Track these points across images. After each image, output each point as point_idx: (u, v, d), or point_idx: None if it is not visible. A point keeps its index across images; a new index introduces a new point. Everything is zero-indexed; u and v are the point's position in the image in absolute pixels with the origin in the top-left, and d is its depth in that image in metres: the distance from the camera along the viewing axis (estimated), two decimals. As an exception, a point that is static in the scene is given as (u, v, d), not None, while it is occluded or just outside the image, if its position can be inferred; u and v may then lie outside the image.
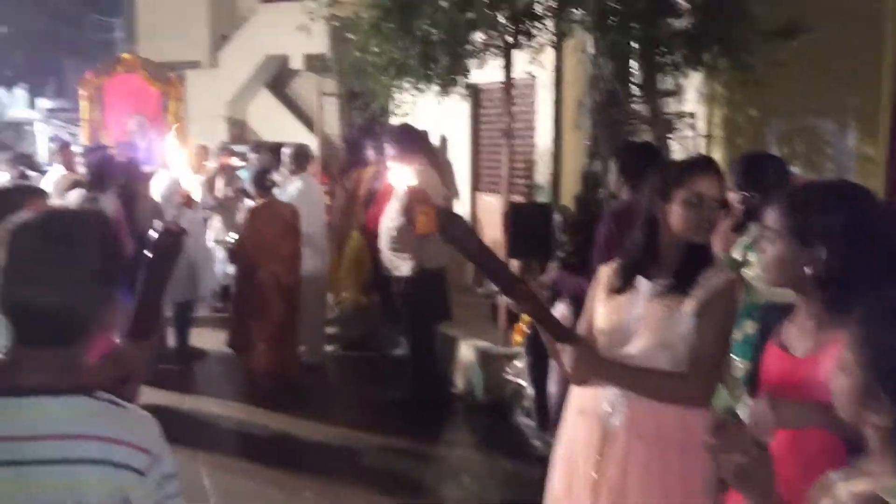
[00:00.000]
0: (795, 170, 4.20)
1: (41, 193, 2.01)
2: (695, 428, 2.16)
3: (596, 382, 2.22)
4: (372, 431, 5.04)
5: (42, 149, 35.05)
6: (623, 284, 2.26)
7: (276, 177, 6.16)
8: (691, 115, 5.40)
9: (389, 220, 4.96)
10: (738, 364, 2.64)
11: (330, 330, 6.99)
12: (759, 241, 1.89)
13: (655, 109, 5.10)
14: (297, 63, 15.73)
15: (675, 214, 2.15)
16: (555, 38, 4.47)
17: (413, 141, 4.92)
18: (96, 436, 1.22)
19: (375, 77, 4.99)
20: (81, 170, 7.13)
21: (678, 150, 5.23)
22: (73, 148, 8.58)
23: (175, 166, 5.63)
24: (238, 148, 13.85)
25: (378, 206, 6.69)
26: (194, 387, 5.97)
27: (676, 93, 5.25)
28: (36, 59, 45.51)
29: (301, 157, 6.05)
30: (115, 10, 28.93)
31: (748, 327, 2.68)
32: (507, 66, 5.00)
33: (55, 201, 6.87)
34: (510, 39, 4.73)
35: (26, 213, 1.87)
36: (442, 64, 4.51)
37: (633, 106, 5.44)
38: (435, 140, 7.96)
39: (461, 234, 2.13)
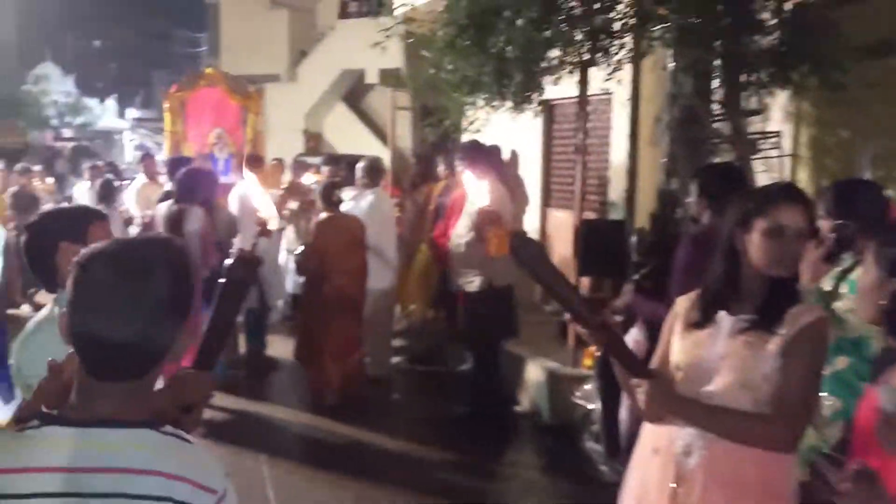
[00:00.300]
0: (890, 194, 3.96)
1: (103, 217, 2.01)
2: (775, 474, 2.04)
3: (671, 421, 2.11)
4: (434, 446, 5.02)
5: (129, 156, 36.59)
6: (703, 318, 2.14)
7: (347, 191, 6.24)
8: (776, 134, 5.18)
9: (459, 236, 4.93)
10: (827, 402, 2.49)
11: (396, 342, 7.00)
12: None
13: (738, 128, 4.90)
14: (372, 77, 15.97)
15: (756, 246, 2.03)
16: (633, 56, 4.34)
17: (483, 157, 4.88)
18: (159, 471, 1.19)
19: (449, 94, 4.98)
20: (163, 179, 7.41)
21: (762, 170, 5.02)
22: (157, 158, 8.96)
23: (252, 190, 5.77)
24: (312, 160, 14.16)
25: (447, 220, 6.68)
26: (262, 394, 6.06)
27: (761, 111, 5.04)
28: (126, 72, 47.82)
29: (374, 171, 6.08)
30: (201, 25, 30.16)
31: (839, 363, 2.52)
32: (583, 83, 4.90)
33: (139, 209, 7.18)
34: (586, 56, 4.63)
35: (91, 237, 1.85)
36: (516, 81, 4.45)
37: (714, 124, 5.25)
38: (505, 155, 7.93)
39: (534, 258, 2.05)
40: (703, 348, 2.10)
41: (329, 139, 18.28)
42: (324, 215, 5.61)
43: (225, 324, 1.81)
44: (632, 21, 4.19)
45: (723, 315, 2.10)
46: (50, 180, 12.09)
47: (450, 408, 5.64)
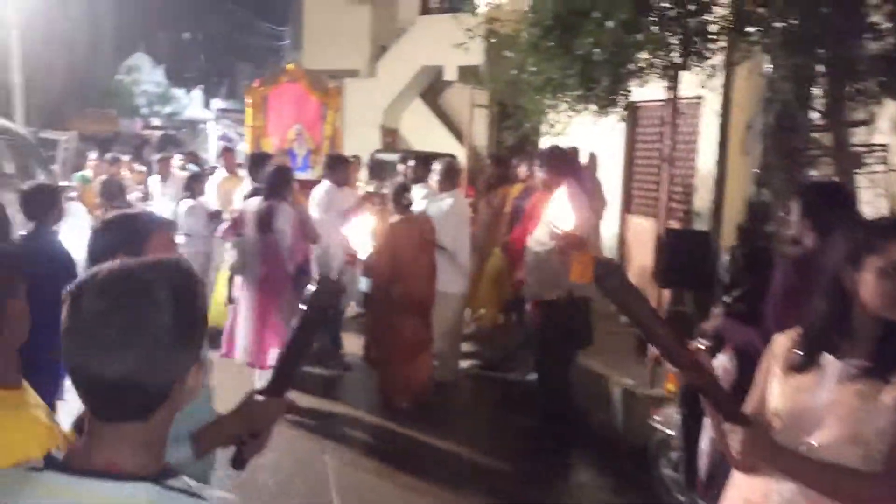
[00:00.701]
0: None
1: (168, 226, 1.94)
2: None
3: (766, 472, 1.91)
4: (499, 458, 4.92)
5: (212, 146, 37.75)
6: (806, 361, 1.94)
7: (419, 188, 6.16)
8: (883, 147, 4.80)
9: (538, 244, 4.75)
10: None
11: (465, 347, 6.89)
12: None
13: (841, 140, 4.56)
14: (451, 74, 15.90)
15: (868, 286, 1.81)
16: (729, 60, 4.08)
17: (564, 164, 4.69)
18: None
19: (531, 96, 4.81)
20: (243, 173, 7.51)
21: (866, 186, 4.66)
22: (238, 148, 9.11)
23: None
24: (389, 156, 14.21)
25: (524, 225, 6.51)
26: (332, 392, 6.06)
27: (867, 122, 4.68)
28: (213, 63, 49.31)
29: (451, 173, 5.97)
30: (284, 19, 30.83)
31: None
32: (674, 88, 4.65)
33: (220, 203, 7.29)
34: (677, 60, 4.39)
35: (151, 249, 1.79)
36: (603, 85, 4.25)
37: (813, 134, 4.92)
38: (584, 157, 7.70)
39: (620, 288, 1.90)
40: (807, 395, 1.90)
41: (405, 135, 18.33)
42: (394, 217, 5.54)
43: (301, 351, 1.73)
44: (729, 24, 3.92)
45: (829, 359, 1.90)
46: (142, 168, 12.48)
47: (518, 418, 5.50)
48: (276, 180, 5.30)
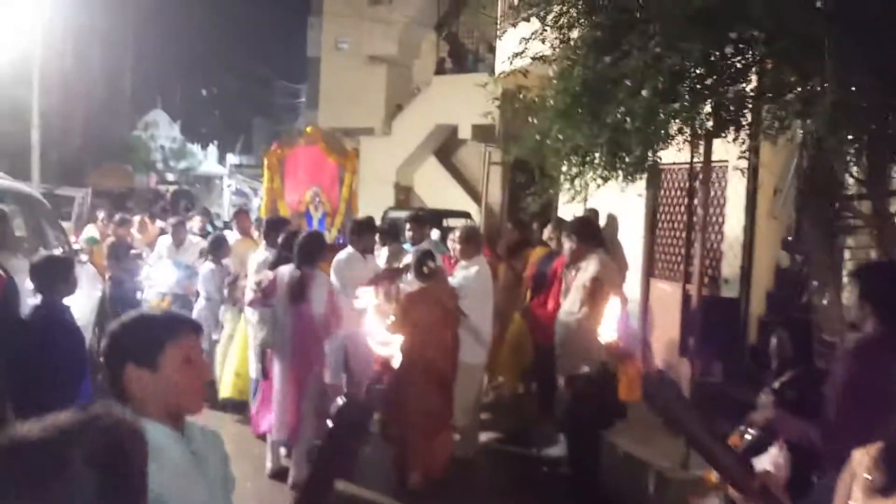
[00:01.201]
0: None
1: (195, 329, 1.74)
2: None
3: None
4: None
5: (226, 201, 38.02)
6: (890, 484, 1.70)
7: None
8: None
9: (568, 313, 4.51)
10: None
11: (483, 416, 6.59)
12: None
13: (881, 209, 4.36)
14: (465, 133, 15.96)
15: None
16: (765, 127, 3.91)
17: (594, 236, 4.49)
18: None
19: (555, 163, 4.66)
20: (255, 234, 7.41)
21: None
22: (252, 206, 8.98)
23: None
24: (401, 214, 14.11)
25: (548, 291, 6.31)
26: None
27: (910, 191, 4.48)
28: (229, 119, 50.13)
29: (474, 240, 5.77)
30: (301, 77, 31.37)
31: None
32: (707, 155, 4.48)
33: (234, 266, 7.12)
34: (710, 126, 4.24)
35: (166, 361, 1.63)
36: (634, 154, 4.09)
37: (850, 201, 4.72)
38: (602, 219, 7.53)
39: (673, 405, 1.71)
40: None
41: (419, 193, 18.33)
42: (415, 286, 5.32)
43: (331, 474, 1.53)
44: (767, 92, 3.78)
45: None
46: (161, 223, 12.34)
47: (541, 498, 5.18)
48: (309, 247, 5.11)
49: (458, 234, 5.90)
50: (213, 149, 49.72)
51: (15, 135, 16.91)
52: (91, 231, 8.85)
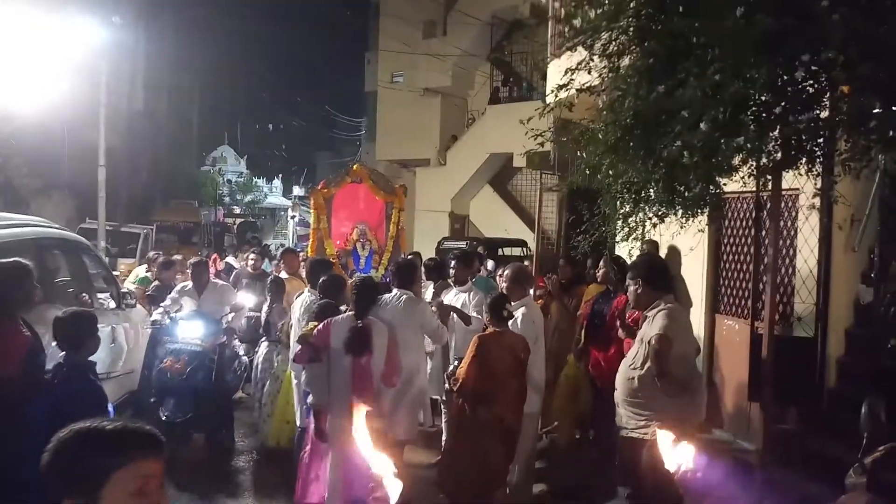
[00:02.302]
0: None
1: (156, 449, 1.45)
2: None
3: None
4: None
5: (291, 232, 38.66)
6: None
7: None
8: None
9: (631, 368, 4.08)
10: None
11: (536, 464, 6.18)
12: None
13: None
14: (519, 161, 15.72)
15: None
16: (848, 161, 3.50)
17: (663, 280, 4.04)
18: None
19: (609, 200, 4.32)
20: (303, 273, 7.18)
21: None
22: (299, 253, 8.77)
23: None
24: (456, 244, 13.88)
25: (606, 333, 5.93)
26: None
27: None
28: (293, 153, 51.35)
29: (522, 278, 5.38)
30: (360, 111, 31.89)
31: None
32: (775, 185, 4.07)
33: (283, 305, 6.96)
34: (779, 158, 3.84)
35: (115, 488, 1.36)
36: (693, 191, 3.73)
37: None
38: (662, 250, 7.09)
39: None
40: None
41: (475, 221, 18.15)
42: (489, 330, 4.94)
43: None
44: (844, 119, 3.38)
45: None
46: (233, 259, 12.26)
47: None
48: (369, 294, 4.81)
49: (506, 272, 5.57)
50: (277, 182, 51.01)
51: (84, 175, 17.53)
52: (142, 272, 8.82)
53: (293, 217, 39.83)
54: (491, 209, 17.65)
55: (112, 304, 6.27)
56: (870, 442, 2.78)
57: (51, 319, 3.61)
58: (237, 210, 39.05)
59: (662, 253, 7.10)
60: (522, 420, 5.10)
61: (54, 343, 3.54)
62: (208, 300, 6.70)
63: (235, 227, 33.11)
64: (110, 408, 3.62)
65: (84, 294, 5.45)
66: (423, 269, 6.67)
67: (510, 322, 5.05)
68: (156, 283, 7.26)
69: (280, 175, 50.05)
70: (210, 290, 6.81)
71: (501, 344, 4.82)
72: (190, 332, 6.23)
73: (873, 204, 5.51)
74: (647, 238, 5.69)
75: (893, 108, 3.28)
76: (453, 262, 6.29)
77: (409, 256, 7.18)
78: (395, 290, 5.27)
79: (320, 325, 4.82)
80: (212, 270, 8.74)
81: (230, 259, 12.67)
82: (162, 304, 6.51)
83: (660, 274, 3.99)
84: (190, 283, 6.78)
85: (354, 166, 8.64)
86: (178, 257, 8.74)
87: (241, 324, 7.10)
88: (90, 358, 3.55)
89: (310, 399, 5.03)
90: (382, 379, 4.75)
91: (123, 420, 1.49)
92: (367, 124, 27.52)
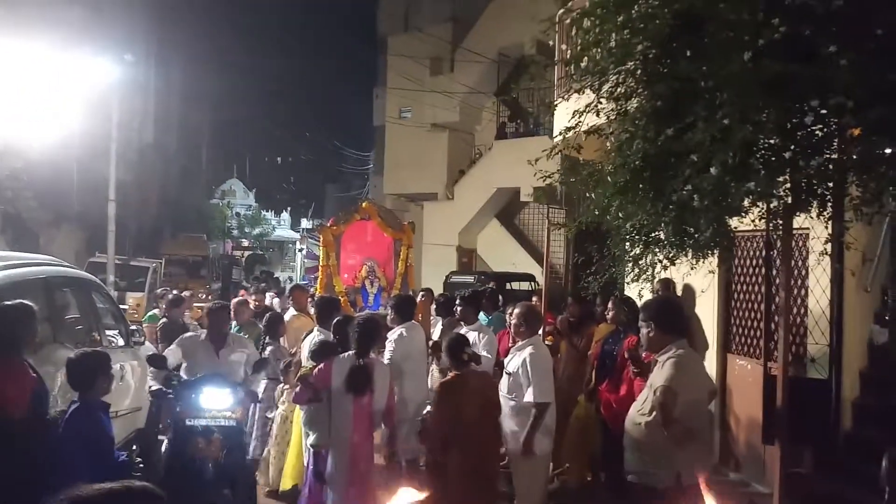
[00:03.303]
0: None
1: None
2: None
3: None
4: None
5: (299, 264, 38.67)
6: None
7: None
8: None
9: (639, 415, 4.00)
10: None
11: (548, 506, 6.08)
12: None
13: None
14: (526, 195, 15.82)
15: None
16: (860, 206, 3.48)
17: (677, 323, 3.98)
18: None
19: (618, 243, 4.30)
20: (311, 310, 7.14)
21: None
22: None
23: None
24: (464, 278, 13.86)
25: (617, 373, 5.87)
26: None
27: None
28: (301, 186, 51.64)
29: (531, 318, 5.33)
30: (369, 145, 32.20)
31: None
32: (786, 226, 4.04)
33: (289, 343, 6.92)
34: (789, 201, 3.83)
35: None
36: (703, 234, 3.71)
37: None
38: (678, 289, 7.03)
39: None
40: None
41: (482, 255, 18.15)
42: (450, 374, 4.80)
43: None
44: (854, 162, 3.37)
45: None
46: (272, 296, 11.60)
47: None
48: (372, 333, 4.75)
49: (515, 310, 5.54)
50: (286, 215, 51.25)
51: (93, 207, 17.65)
52: (153, 310, 8.81)
53: (301, 250, 39.97)
54: (498, 243, 17.67)
55: (121, 342, 6.25)
56: (891, 497, 2.72)
57: (59, 359, 3.60)
58: (245, 243, 39.24)
59: (677, 291, 7.05)
60: (531, 461, 5.02)
61: (59, 382, 3.53)
62: (227, 361, 5.52)
63: (244, 259, 33.21)
64: (117, 454, 3.57)
65: (94, 333, 5.44)
66: (433, 305, 6.65)
67: (519, 365, 4.99)
68: (164, 320, 7.22)
69: (288, 208, 50.30)
70: (231, 347, 5.59)
71: (465, 387, 4.67)
72: (216, 402, 5.02)
73: (884, 244, 5.48)
74: (660, 277, 5.66)
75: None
76: (459, 301, 6.28)
77: (421, 292, 7.17)
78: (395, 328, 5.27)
79: (320, 365, 4.77)
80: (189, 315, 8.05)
81: (273, 300, 11.31)
82: (159, 368, 5.32)
83: (672, 317, 3.93)
84: (203, 333, 5.69)
85: (363, 204, 8.68)
86: (187, 293, 8.65)
87: (261, 387, 6.07)
88: (103, 398, 3.53)
89: (310, 440, 4.97)
90: (381, 420, 4.72)
91: (122, 481, 1.46)
92: (375, 158, 27.75)
